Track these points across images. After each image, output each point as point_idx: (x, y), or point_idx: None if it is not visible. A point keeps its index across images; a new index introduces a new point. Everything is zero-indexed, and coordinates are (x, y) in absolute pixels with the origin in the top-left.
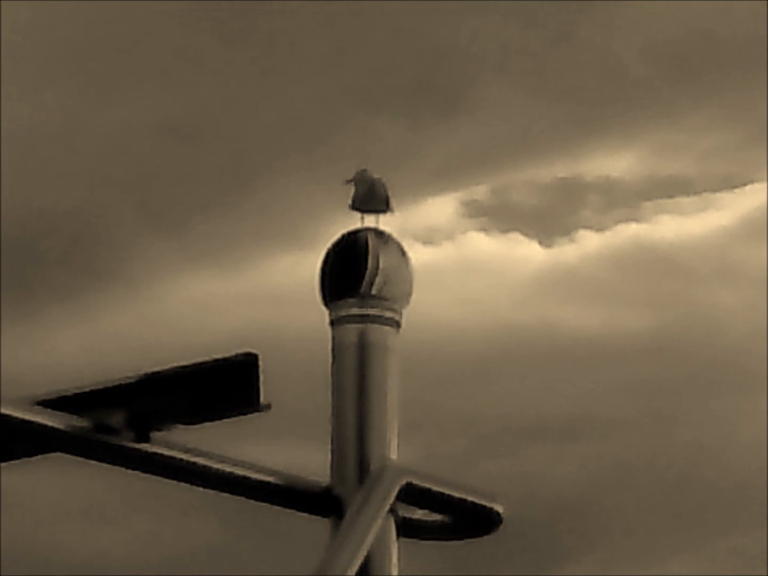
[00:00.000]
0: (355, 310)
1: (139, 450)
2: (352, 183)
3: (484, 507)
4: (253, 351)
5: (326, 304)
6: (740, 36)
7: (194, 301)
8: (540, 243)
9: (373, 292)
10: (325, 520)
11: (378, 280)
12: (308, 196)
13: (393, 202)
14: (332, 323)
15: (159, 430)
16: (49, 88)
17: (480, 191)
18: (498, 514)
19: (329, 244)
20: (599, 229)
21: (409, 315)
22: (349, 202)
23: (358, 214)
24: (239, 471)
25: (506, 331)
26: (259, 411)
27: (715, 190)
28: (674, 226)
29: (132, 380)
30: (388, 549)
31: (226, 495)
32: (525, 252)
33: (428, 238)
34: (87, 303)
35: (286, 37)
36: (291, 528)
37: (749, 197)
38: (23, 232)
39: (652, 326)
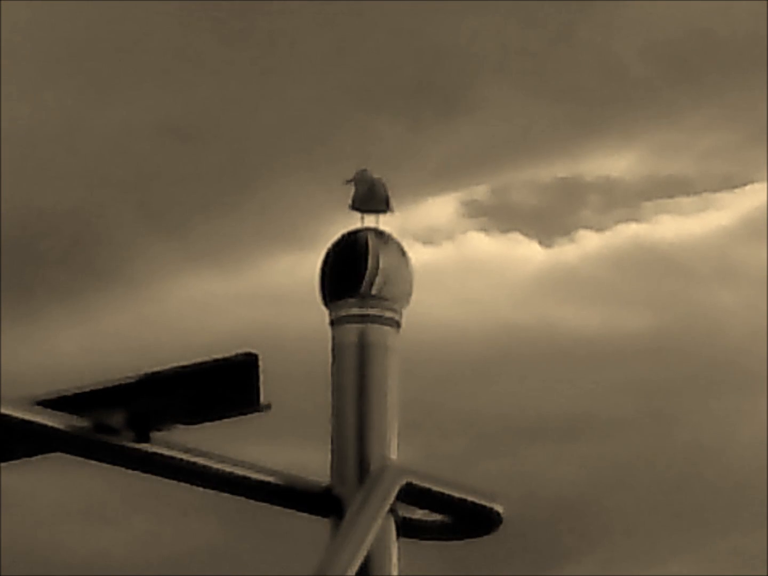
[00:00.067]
0: (355, 310)
1: (139, 450)
2: (352, 183)
3: (484, 507)
4: (253, 351)
5: (326, 304)
6: (740, 36)
7: (194, 301)
8: (540, 243)
9: (373, 292)
10: (325, 520)
11: (378, 280)
12: (308, 196)
13: (393, 202)
14: (332, 323)
15: (159, 430)
16: (49, 88)
17: (480, 191)
18: (498, 514)
19: (329, 244)
20: (599, 229)
21: (409, 315)
22: (349, 202)
23: (358, 214)
24: (239, 471)
25: (506, 331)
26: (259, 411)
27: (715, 190)
28: (674, 226)
29: (132, 380)
30: (388, 549)
31: (226, 495)
32: (525, 252)
33: (428, 238)
34: (87, 303)
35: (286, 38)
36: (291, 528)
37: (749, 197)
38: (23, 232)
39: (652, 326)
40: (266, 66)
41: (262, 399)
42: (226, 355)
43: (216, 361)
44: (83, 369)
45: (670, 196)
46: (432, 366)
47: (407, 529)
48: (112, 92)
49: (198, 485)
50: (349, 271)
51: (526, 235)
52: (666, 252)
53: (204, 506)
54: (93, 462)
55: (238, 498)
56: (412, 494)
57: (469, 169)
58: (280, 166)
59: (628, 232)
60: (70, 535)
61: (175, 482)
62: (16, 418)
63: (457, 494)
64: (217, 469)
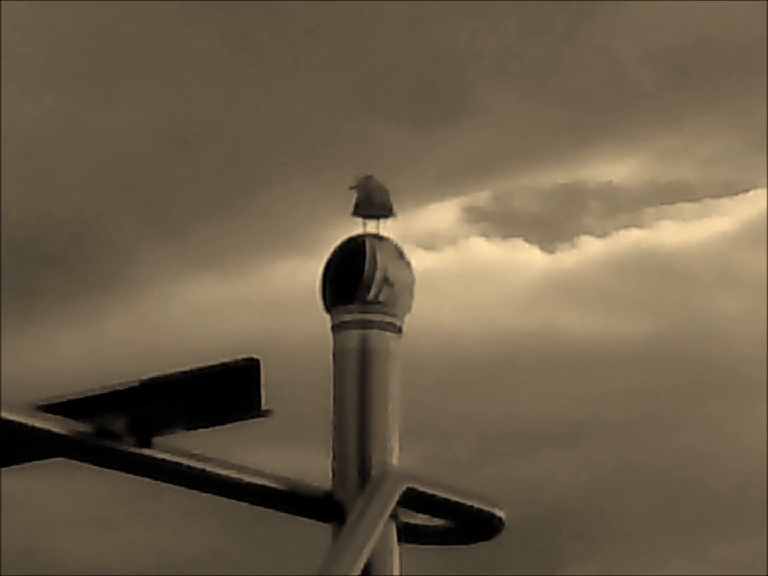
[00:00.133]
0: (357, 316)
1: (140, 455)
2: (355, 189)
3: (485, 512)
4: (255, 356)
5: (328, 310)
6: (742, 42)
7: (195, 306)
8: (541, 249)
9: (375, 297)
10: (327, 525)
11: (379, 285)
12: (310, 201)
13: (395, 208)
14: (333, 329)
15: (161, 435)
16: (50, 90)
17: (482, 197)
18: (500, 519)
19: (331, 249)
20: (601, 235)
21: (410, 320)
22: (351, 207)
23: (359, 220)
24: (241, 476)
25: (508, 337)
26: (260, 416)
27: (716, 197)
28: (676, 232)
29: (134, 385)
30: (390, 554)
31: (227, 500)
32: (526, 258)
33: (430, 244)
34: (89, 308)
35: (288, 42)
36: (292, 533)
37: (750, 203)
38: (25, 235)
39: (653, 332)
40: (268, 72)
41: (263, 404)
42: (228, 360)
43: (217, 366)
44: (85, 374)
45: (672, 202)
46: (433, 371)
47: (408, 534)
48: (113, 95)
49: (199, 490)
50: (350, 276)
51: (528, 240)
52: (667, 258)
53: (205, 511)
54: (95, 467)
55: (240, 503)
56: (413, 499)
57: (471, 175)
58: (281, 171)
59: (629, 238)
60: (72, 539)
61: (176, 487)
62: (18, 422)
63: (458, 499)
64: (219, 474)
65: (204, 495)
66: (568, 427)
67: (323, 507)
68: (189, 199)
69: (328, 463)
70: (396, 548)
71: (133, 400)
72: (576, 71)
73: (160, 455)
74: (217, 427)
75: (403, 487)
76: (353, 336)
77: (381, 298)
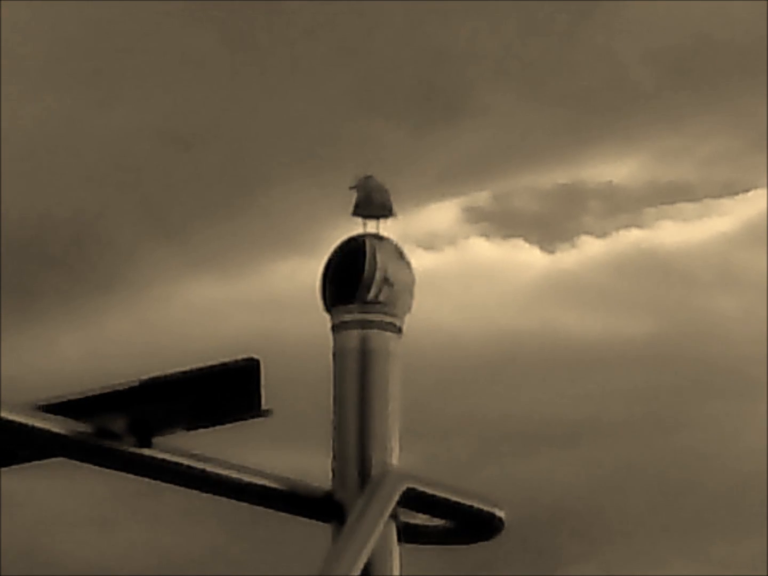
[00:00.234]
0: (357, 316)
1: (140, 455)
2: (355, 189)
3: (485, 512)
4: (255, 356)
5: (327, 310)
6: (742, 42)
7: (195, 306)
8: (541, 249)
9: (375, 297)
10: (327, 525)
11: (379, 285)
12: (310, 201)
13: (395, 208)
14: (333, 329)
15: (161, 435)
16: (50, 90)
17: (482, 197)
18: (500, 519)
19: (331, 249)
20: (601, 235)
21: (410, 320)
22: (351, 207)
23: (359, 220)
24: (241, 476)
25: (508, 337)
26: (260, 416)
27: (716, 197)
28: (676, 232)
29: (134, 385)
30: (390, 554)
31: (227, 500)
32: (526, 258)
33: (430, 244)
34: (89, 308)
35: (288, 42)
36: (292, 533)
37: (751, 203)
38: (25, 235)
39: (653, 332)
40: (268, 72)
41: (263, 404)
42: (228, 360)
43: (217, 366)
44: (85, 374)
45: (672, 202)
46: (433, 371)
47: (408, 534)
48: (113, 95)
49: (199, 490)
50: (350, 276)
51: (528, 240)
52: (667, 258)
53: (205, 511)
54: (95, 467)
55: (240, 503)
56: (413, 499)
57: (471, 175)
58: (281, 171)
59: (629, 238)
60: (72, 539)
61: (176, 487)
62: (18, 422)
63: (458, 499)
64: (219, 474)
65: (204, 495)
66: (568, 427)
67: (323, 507)
68: (189, 199)
69: (328, 463)
70: (396, 548)
71: (133, 400)
72: (576, 71)
73: (160, 455)
74: (217, 427)
75: (403, 487)
76: (353, 336)
77: (381, 298)
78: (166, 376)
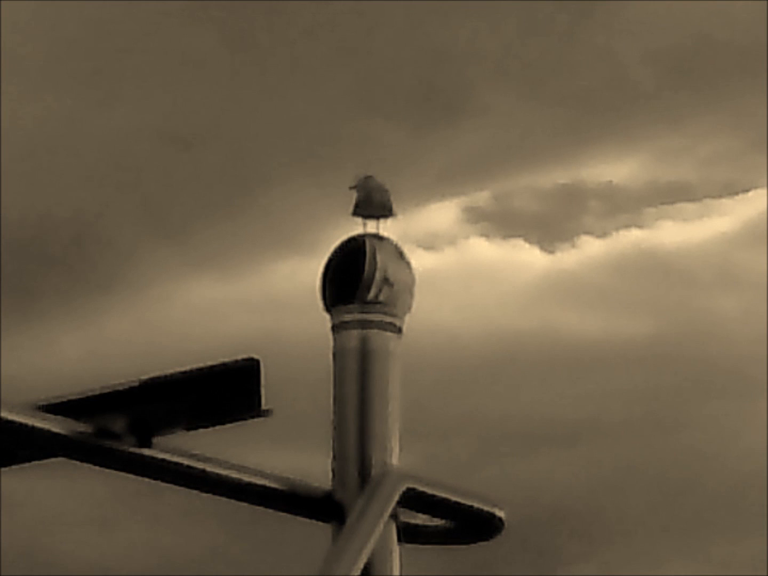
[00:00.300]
0: (357, 316)
1: (141, 455)
2: (355, 189)
3: (485, 512)
4: (255, 356)
5: (327, 310)
6: (742, 42)
7: (196, 306)
8: (541, 249)
9: (375, 297)
10: (327, 525)
11: (379, 285)
12: (310, 201)
13: (395, 208)
14: (333, 329)
15: (161, 435)
16: (50, 91)
17: (482, 197)
18: (500, 519)
19: (331, 249)
20: (601, 235)
21: (410, 320)
22: (351, 207)
23: (359, 220)
24: (241, 476)
25: (508, 337)
26: (260, 416)
27: (716, 197)
28: (676, 232)
29: (134, 385)
30: (390, 554)
31: (227, 500)
32: (527, 258)
33: (430, 244)
34: (89, 308)
35: (288, 42)
36: (292, 533)
37: (751, 203)
38: (25, 235)
39: (653, 332)
40: (268, 72)
41: (263, 404)
42: (228, 360)
43: (217, 366)
44: (85, 374)
45: (672, 202)
46: (433, 371)
47: (409, 534)
48: (113, 95)
49: (200, 490)
50: (350, 276)
51: (528, 240)
52: (667, 258)
53: (205, 511)
54: (95, 467)
55: (240, 503)
56: (413, 499)
57: (471, 175)
58: (281, 171)
59: (629, 237)
60: (71, 539)
61: (176, 487)
62: (18, 422)
63: (458, 499)
64: (219, 474)
65: (204, 495)
66: (568, 427)
67: (323, 507)
68: (189, 199)
69: (328, 463)
70: (396, 548)
71: (133, 400)
72: (576, 71)
73: (160, 455)
74: (218, 427)
75: (403, 487)
76: (353, 336)
77: (381, 298)
78: (166, 376)
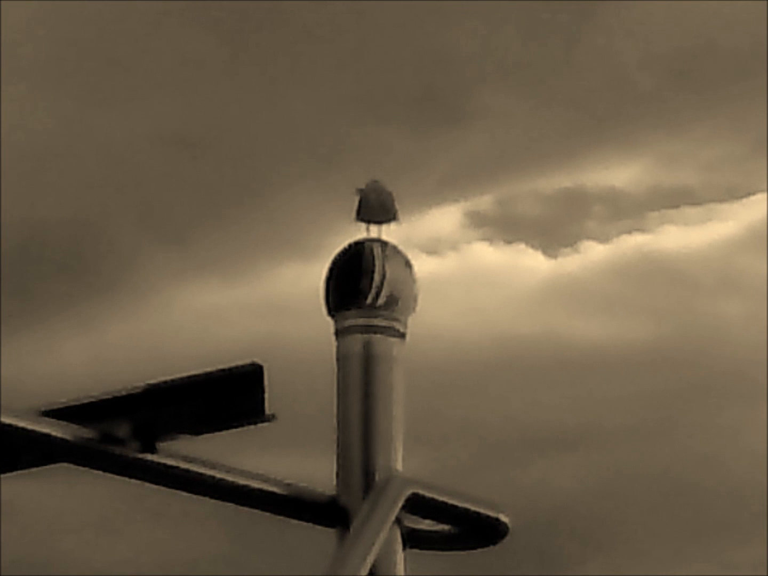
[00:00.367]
0: (360, 321)
1: (144, 460)
2: (359, 193)
3: (490, 517)
4: (258, 361)
5: (331, 315)
6: (744, 46)
7: (199, 311)
8: (544, 253)
9: (378, 302)
10: (331, 530)
11: (383, 290)
12: (313, 205)
13: (398, 213)
14: (337, 333)
15: (165, 440)
16: (50, 91)
17: (484, 202)
18: (504, 524)
19: (334, 254)
20: (604, 239)
21: (413, 325)
22: (355, 212)
23: (362, 225)
24: (245, 481)
25: (511, 342)
26: (264, 421)
27: (719, 201)
28: (679, 237)
29: (137, 390)
30: (394, 559)
31: (231, 505)
32: (529, 262)
33: (432, 249)
34: (91, 313)
35: (290, 45)
36: (296, 538)
37: (753, 208)
38: (26, 240)
39: (655, 336)
40: (271, 74)
41: (267, 409)
42: (231, 365)
43: (221, 371)
44: (88, 379)
45: (675, 207)
46: (436, 376)
47: (413, 539)
48: (114, 96)
49: (203, 495)
50: (353, 281)
51: (531, 245)
52: (670, 262)
53: (209, 516)
54: (98, 472)
55: (244, 508)
56: (417, 505)
57: (474, 180)
58: (284, 176)
59: (632, 242)
60: (75, 545)
61: (180, 492)
62: (22, 428)
63: (463, 505)
64: (223, 480)
65: (208, 500)
66: (570, 432)
67: (327, 512)
68: (191, 203)
69: (332, 467)
70: (400, 553)
71: (137, 405)
72: (578, 75)
73: (164, 460)
74: (221, 432)
75: (408, 492)
76: (357, 341)
77: (384, 302)
78: (169, 381)
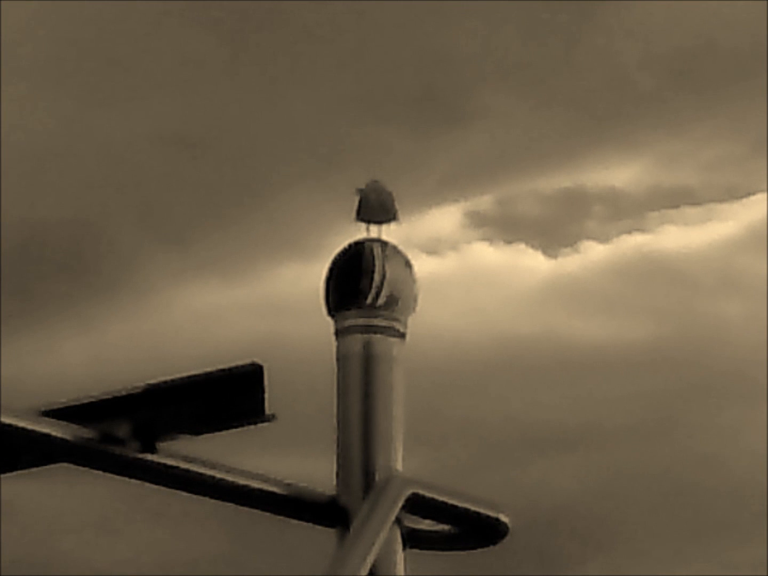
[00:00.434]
0: (360, 321)
1: (144, 460)
2: (359, 193)
3: (490, 517)
4: (258, 361)
5: (331, 315)
6: (744, 46)
7: (199, 311)
8: (544, 253)
9: (378, 302)
10: (331, 530)
11: (383, 290)
12: (313, 205)
13: (398, 213)
14: (337, 333)
15: (165, 440)
16: (50, 91)
17: (484, 201)
18: (504, 524)
19: (334, 254)
20: (604, 239)
21: (413, 325)
22: (355, 212)
23: (362, 225)
24: (245, 481)
25: (511, 342)
26: (264, 421)
27: (719, 201)
28: (679, 237)
29: (137, 390)
30: (394, 559)
31: (231, 505)
32: (529, 262)
33: (433, 249)
34: (91, 313)
35: (288, 43)
36: (296, 538)
37: (753, 208)
38: (26, 240)
39: (656, 336)
40: (271, 75)
41: (267, 409)
42: (231, 365)
43: (221, 371)
44: (88, 379)
45: (675, 207)
46: (436, 376)
47: (413, 539)
48: (114, 96)
49: (203, 495)
50: (353, 281)
51: (531, 245)
52: (670, 262)
53: (209, 516)
54: (99, 472)
55: (244, 508)
56: (417, 505)
57: (474, 180)
58: (284, 176)
59: (632, 242)
60: (75, 545)
61: (180, 492)
62: (21, 428)
63: (463, 505)
64: (223, 480)
65: (208, 500)
66: (571, 432)
67: (327, 512)
68: (191, 203)
69: (332, 467)
70: (400, 553)
71: (137, 405)
72: (578, 75)
73: (164, 460)
74: (221, 432)
75: (408, 492)
76: (357, 341)
77: (384, 302)
78: (169, 381)
